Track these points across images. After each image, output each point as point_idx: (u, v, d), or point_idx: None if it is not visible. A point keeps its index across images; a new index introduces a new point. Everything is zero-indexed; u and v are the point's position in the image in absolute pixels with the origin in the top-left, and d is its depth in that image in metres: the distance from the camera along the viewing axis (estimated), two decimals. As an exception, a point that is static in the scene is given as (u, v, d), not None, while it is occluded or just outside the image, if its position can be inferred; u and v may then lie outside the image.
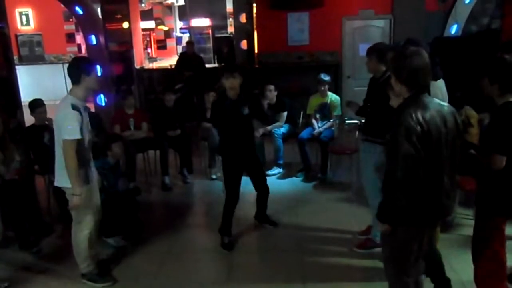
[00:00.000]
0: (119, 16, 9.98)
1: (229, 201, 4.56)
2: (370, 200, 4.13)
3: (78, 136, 3.47)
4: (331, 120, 6.56)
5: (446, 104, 2.67)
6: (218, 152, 4.69)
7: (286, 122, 6.73)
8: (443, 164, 2.55)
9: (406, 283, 2.80)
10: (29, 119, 5.43)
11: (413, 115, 2.46)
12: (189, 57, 10.00)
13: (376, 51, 4.01)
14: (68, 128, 3.44)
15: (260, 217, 5.00)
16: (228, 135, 4.60)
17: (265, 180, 4.87)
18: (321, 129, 6.51)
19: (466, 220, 4.75)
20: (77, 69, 3.56)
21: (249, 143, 4.66)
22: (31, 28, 14.26)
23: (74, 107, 3.48)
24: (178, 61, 10.23)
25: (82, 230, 3.80)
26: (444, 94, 3.76)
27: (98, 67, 3.66)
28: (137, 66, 11.03)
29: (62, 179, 3.65)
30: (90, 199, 3.76)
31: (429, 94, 3.02)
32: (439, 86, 3.75)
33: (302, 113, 7.13)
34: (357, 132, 6.42)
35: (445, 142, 2.53)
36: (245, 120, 4.53)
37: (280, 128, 6.66)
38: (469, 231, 4.18)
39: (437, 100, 2.61)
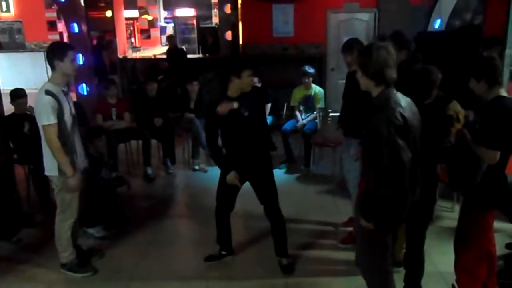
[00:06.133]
0: (102, 4, 9.86)
1: (217, 209, 3.99)
2: (353, 192, 4.15)
3: (52, 121, 3.43)
4: (315, 113, 6.59)
5: (406, 97, 2.65)
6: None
7: (269, 113, 6.72)
8: (418, 156, 2.58)
9: (390, 275, 2.85)
10: (9, 108, 5.33)
11: (395, 112, 2.45)
12: (171, 51, 10.19)
13: (356, 45, 4.01)
14: (42, 113, 3.43)
15: (277, 253, 4.01)
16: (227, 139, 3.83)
17: (275, 204, 3.88)
18: (304, 121, 6.54)
19: (445, 213, 4.82)
20: (51, 55, 3.53)
21: (251, 149, 3.74)
22: (11, 15, 13.96)
23: (47, 92, 3.45)
24: (167, 56, 10.43)
25: (67, 219, 3.77)
26: None
27: (72, 52, 3.55)
28: (120, 56, 10.92)
29: (48, 166, 3.62)
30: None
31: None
32: None
33: (286, 105, 7.13)
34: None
35: (418, 135, 2.58)
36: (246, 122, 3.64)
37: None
38: (447, 223, 4.26)
39: (400, 94, 2.59)
